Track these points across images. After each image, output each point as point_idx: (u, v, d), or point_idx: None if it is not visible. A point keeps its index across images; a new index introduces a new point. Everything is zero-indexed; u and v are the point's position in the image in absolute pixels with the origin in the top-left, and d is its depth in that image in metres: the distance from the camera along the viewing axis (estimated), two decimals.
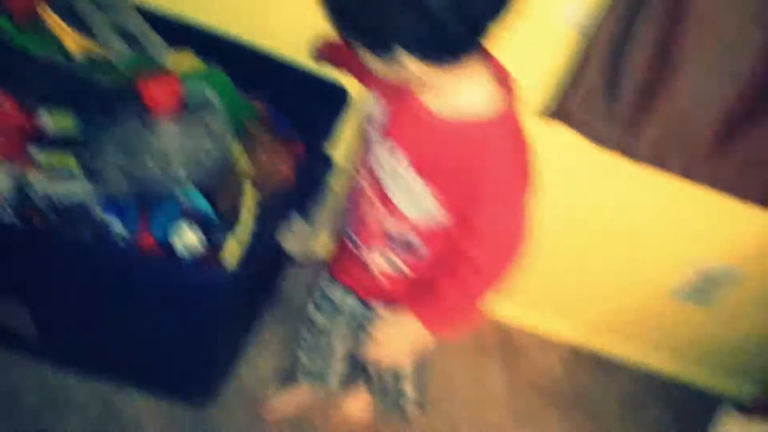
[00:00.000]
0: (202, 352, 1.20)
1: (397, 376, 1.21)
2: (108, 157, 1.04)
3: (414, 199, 0.84)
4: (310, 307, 1.17)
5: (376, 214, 0.90)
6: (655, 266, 1.52)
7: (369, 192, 0.89)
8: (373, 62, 0.74)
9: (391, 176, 0.84)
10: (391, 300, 0.99)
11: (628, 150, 1.25)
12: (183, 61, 1.20)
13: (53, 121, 1.18)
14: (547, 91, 1.24)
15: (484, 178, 0.79)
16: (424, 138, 0.80)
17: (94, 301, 1.09)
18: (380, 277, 0.97)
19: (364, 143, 0.90)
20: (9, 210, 1.00)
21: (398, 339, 0.92)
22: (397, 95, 0.81)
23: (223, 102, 1.12)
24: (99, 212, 1.04)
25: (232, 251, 1.00)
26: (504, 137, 0.79)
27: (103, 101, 1.10)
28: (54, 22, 1.10)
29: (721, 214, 1.36)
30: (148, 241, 1.03)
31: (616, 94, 1.17)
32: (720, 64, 1.10)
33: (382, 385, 1.25)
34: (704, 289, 1.52)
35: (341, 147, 1.33)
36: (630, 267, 1.55)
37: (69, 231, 1.01)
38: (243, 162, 1.16)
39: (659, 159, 1.25)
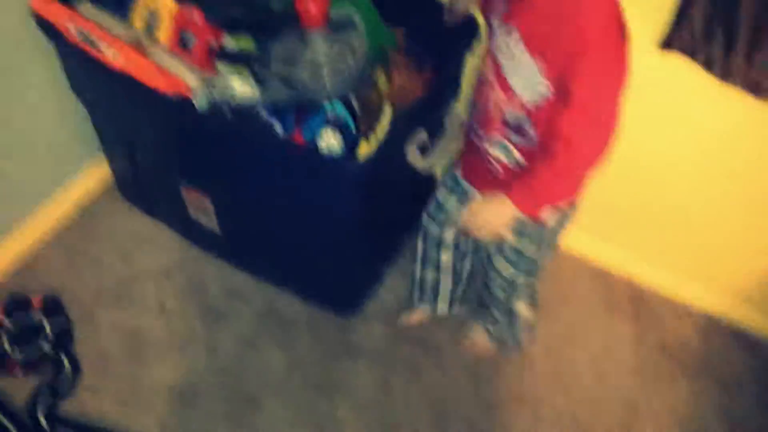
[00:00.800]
0: (345, 254, 1.37)
1: (509, 296, 1.29)
2: (273, 68, 1.23)
3: (526, 79, 0.95)
4: (424, 218, 1.29)
5: (496, 100, 1.02)
6: None
7: (491, 78, 1.01)
8: None
9: (509, 58, 0.96)
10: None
11: (751, 83, 1.18)
12: None
13: (236, 42, 1.40)
14: (664, 21, 1.20)
15: (586, 46, 0.87)
16: (534, 14, 0.92)
17: (258, 192, 1.32)
18: (498, 168, 1.09)
19: (489, 37, 1.02)
20: (202, 106, 1.23)
21: (490, 211, 1.04)
22: None
23: (366, 25, 1.25)
24: (265, 114, 1.24)
25: (363, 151, 1.14)
26: (603, 11, 0.88)
27: (273, 22, 1.30)
28: None
29: None
30: (299, 140, 1.21)
31: (733, 20, 1.12)
32: None
33: (494, 311, 1.35)
34: None
35: (468, 75, 1.39)
36: (760, 225, 1.43)
37: (241, 127, 1.22)
38: (382, 81, 1.29)
39: None
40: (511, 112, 1.01)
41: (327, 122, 1.22)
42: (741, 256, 1.51)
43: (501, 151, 1.07)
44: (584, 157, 0.95)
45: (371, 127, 1.25)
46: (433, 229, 1.30)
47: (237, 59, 1.34)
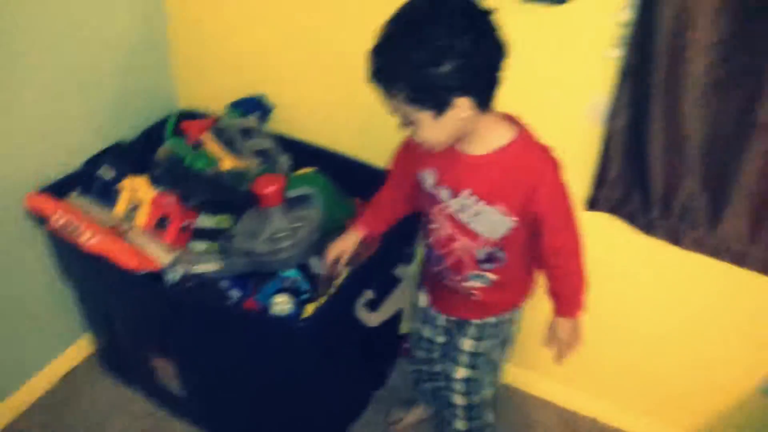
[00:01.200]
0: (305, 412, 1.41)
1: (482, 406, 1.39)
2: (236, 242, 1.36)
3: (491, 223, 1.10)
4: (412, 347, 1.49)
5: (465, 248, 1.15)
6: (735, 361, 1.44)
7: (454, 233, 1.15)
8: (428, 128, 1.00)
9: (470, 214, 1.11)
10: (486, 310, 1.27)
11: (671, 234, 1.28)
12: (302, 171, 1.54)
13: (214, 220, 1.56)
14: (588, 183, 1.35)
15: (539, 177, 1.06)
16: (481, 175, 1.08)
17: (218, 357, 1.39)
18: (476, 294, 1.22)
19: (433, 206, 1.16)
20: (169, 281, 1.35)
21: (570, 334, 1.24)
22: (449, 160, 1.09)
23: (323, 199, 1.41)
24: (224, 284, 1.35)
25: (308, 311, 1.23)
26: (531, 145, 1.08)
27: (242, 202, 1.46)
28: (212, 145, 1.52)
29: None
30: (252, 305, 1.31)
31: (647, 179, 1.24)
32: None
33: (464, 418, 1.41)
34: None
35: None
36: (709, 363, 1.48)
37: (200, 296, 1.33)
38: None
39: (704, 246, 1.27)
40: (482, 251, 1.15)
41: (282, 288, 1.32)
42: (697, 394, 1.54)
43: (476, 281, 1.20)
44: (578, 247, 1.15)
45: (330, 289, 1.34)
46: (420, 354, 1.47)
47: (207, 236, 1.50)
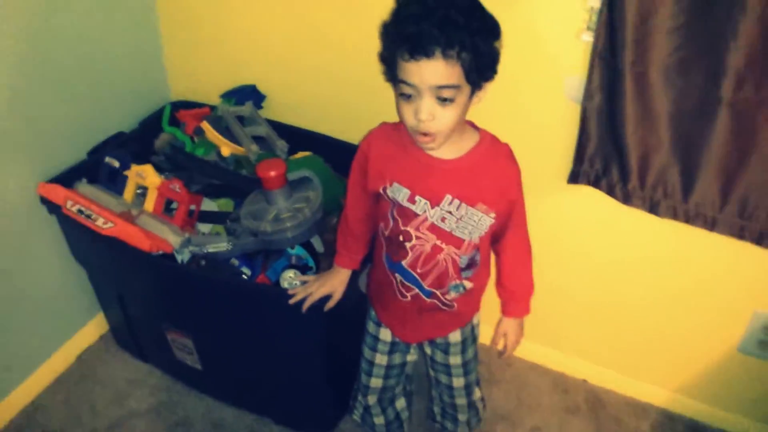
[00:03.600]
0: (315, 380, 1.51)
1: (469, 391, 1.42)
2: (243, 223, 1.45)
3: (474, 225, 1.11)
4: (376, 381, 1.41)
5: (450, 258, 1.15)
6: (713, 322, 1.54)
7: (441, 245, 1.13)
8: (456, 109, 0.98)
9: (453, 221, 1.11)
10: (462, 319, 1.29)
11: (649, 204, 1.38)
12: (299, 155, 1.64)
13: (217, 204, 1.65)
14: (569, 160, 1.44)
15: (510, 173, 1.13)
16: (460, 178, 1.09)
17: (234, 330, 1.48)
18: (455, 305, 1.22)
19: (410, 221, 1.13)
20: (181, 260, 1.44)
21: (519, 332, 1.31)
22: (420, 170, 1.09)
23: (321, 180, 1.50)
24: (236, 262, 1.45)
25: None
26: (495, 142, 1.13)
27: (244, 186, 1.55)
28: (211, 133, 1.60)
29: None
30: (264, 280, 1.41)
31: (622, 151, 1.34)
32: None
33: (461, 415, 1.46)
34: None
35: None
36: (690, 324, 1.57)
37: (214, 274, 1.42)
38: (335, 223, 1.51)
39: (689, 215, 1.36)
40: (464, 257, 1.15)
41: (289, 264, 1.43)
42: (680, 355, 1.64)
43: (455, 292, 1.20)
44: (530, 245, 1.24)
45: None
46: (378, 382, 1.40)
47: (214, 219, 1.58)
